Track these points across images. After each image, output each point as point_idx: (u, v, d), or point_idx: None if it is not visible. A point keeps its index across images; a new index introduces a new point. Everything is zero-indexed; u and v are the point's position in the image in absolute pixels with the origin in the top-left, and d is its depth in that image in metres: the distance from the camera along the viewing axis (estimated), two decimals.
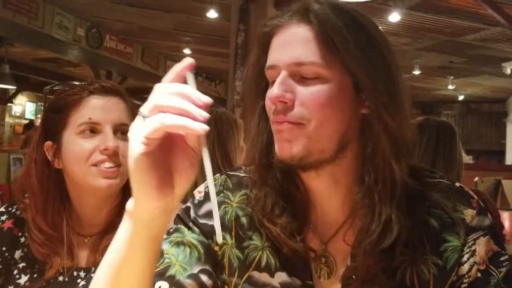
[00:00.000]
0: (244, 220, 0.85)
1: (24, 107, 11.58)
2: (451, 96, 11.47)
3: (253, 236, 0.84)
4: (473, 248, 0.79)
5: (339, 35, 0.74)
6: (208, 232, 0.85)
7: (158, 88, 0.60)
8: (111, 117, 1.06)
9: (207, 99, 0.61)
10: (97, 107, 1.06)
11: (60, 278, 1.07)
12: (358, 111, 0.77)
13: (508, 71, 7.70)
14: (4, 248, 1.09)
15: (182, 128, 0.56)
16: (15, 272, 1.08)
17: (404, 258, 0.76)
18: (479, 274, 0.78)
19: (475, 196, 0.83)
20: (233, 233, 0.85)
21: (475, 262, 0.78)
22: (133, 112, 1.13)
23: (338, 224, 0.82)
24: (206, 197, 0.88)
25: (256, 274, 0.83)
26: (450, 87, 10.09)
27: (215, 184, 0.87)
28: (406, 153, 0.78)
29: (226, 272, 0.85)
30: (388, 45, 0.79)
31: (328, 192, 0.81)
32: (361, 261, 0.76)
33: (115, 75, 8.16)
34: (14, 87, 7.96)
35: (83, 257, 1.10)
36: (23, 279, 1.07)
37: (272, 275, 0.82)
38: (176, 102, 0.57)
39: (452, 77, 9.63)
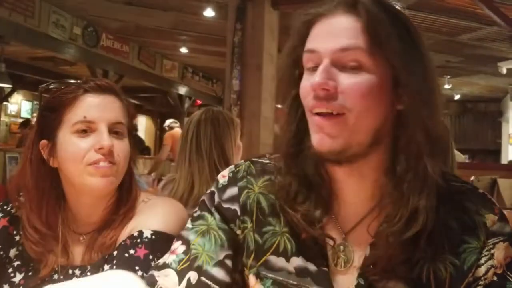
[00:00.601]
0: (265, 205, 0.87)
1: (20, 106, 11.53)
2: (447, 96, 11.49)
3: (273, 221, 0.86)
4: (492, 251, 0.79)
5: (385, 29, 0.76)
6: (231, 216, 0.88)
7: None
8: (106, 115, 1.05)
9: None
10: (92, 106, 1.05)
11: (55, 277, 1.06)
12: (394, 106, 0.78)
13: (504, 71, 7.72)
14: None
15: None
16: (10, 270, 1.07)
17: (424, 253, 0.77)
18: (495, 278, 0.79)
19: (497, 204, 0.84)
20: (253, 218, 0.87)
21: (492, 266, 0.79)
22: (128, 111, 1.12)
23: (360, 215, 0.83)
24: (230, 181, 0.91)
25: (273, 259, 0.85)
26: (446, 86, 10.11)
27: (239, 170, 0.93)
28: (439, 151, 0.80)
29: (244, 254, 0.87)
30: (425, 44, 0.81)
31: (354, 185, 0.83)
32: (382, 250, 0.77)
33: (111, 74, 8.14)
34: (10, 86, 7.93)
35: (78, 255, 1.09)
36: (18, 277, 1.07)
37: (288, 260, 0.83)
38: None
39: (448, 77, 9.65)
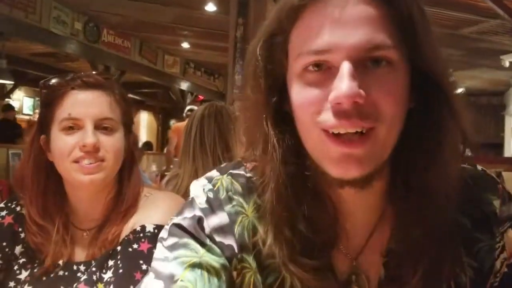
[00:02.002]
0: (263, 232, 0.68)
1: (22, 102, 11.54)
2: None
3: (275, 252, 0.67)
4: (501, 243, 0.72)
5: (416, 17, 0.60)
6: (227, 255, 0.69)
7: None
8: (92, 112, 1.05)
9: None
10: (77, 102, 1.05)
11: (60, 273, 1.07)
12: (409, 104, 0.64)
13: (507, 64, 7.69)
14: (4, 244, 1.09)
15: None
16: (16, 267, 1.08)
17: (441, 262, 0.68)
18: (506, 269, 0.72)
19: (498, 180, 0.75)
20: (253, 253, 0.69)
21: (504, 258, 0.72)
22: (121, 104, 1.11)
23: (365, 236, 0.72)
24: (213, 204, 0.71)
25: None
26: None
27: (218, 188, 0.72)
28: (460, 154, 0.69)
29: None
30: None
31: (361, 205, 0.70)
32: (398, 271, 0.68)
33: (113, 70, 8.13)
34: (12, 82, 7.93)
35: (82, 250, 1.10)
36: (24, 274, 1.07)
37: None
38: None
39: (451, 70, 9.59)
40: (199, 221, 0.70)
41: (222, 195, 0.71)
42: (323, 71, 0.60)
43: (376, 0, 0.59)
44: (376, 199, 0.70)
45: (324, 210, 0.68)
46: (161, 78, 9.77)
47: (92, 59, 7.76)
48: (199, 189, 0.73)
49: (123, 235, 1.06)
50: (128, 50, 8.39)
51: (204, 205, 0.70)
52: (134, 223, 1.07)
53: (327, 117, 0.59)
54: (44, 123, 1.09)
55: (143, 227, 1.04)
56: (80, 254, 1.10)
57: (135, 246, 1.01)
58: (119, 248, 1.04)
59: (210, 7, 6.25)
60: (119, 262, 1.01)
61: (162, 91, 12.24)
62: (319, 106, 0.59)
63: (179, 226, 0.70)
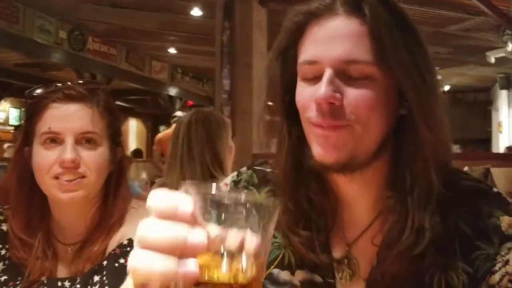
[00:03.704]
0: None
1: (8, 113, 11.42)
2: None
3: (276, 233, 0.81)
4: (506, 257, 0.73)
5: (392, 34, 0.70)
6: None
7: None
8: (72, 126, 1.01)
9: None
10: (57, 116, 1.02)
11: None
12: (397, 111, 0.74)
13: (493, 60, 7.76)
14: None
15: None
16: None
17: (434, 263, 0.73)
18: (510, 285, 0.73)
19: (510, 202, 0.79)
20: None
21: (507, 272, 0.73)
22: (105, 117, 1.07)
23: (364, 225, 0.79)
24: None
25: (277, 272, 0.81)
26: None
27: (240, 179, 0.90)
28: (446, 157, 0.76)
29: None
30: (428, 47, 0.76)
31: (358, 194, 0.79)
32: (389, 264, 0.73)
33: (99, 78, 8.08)
34: None
35: (65, 266, 1.07)
36: None
37: (293, 273, 0.80)
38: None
39: (438, 68, 9.63)
40: None
41: (241, 184, 0.88)
42: (316, 79, 0.72)
43: (358, 17, 0.71)
44: (375, 192, 0.78)
45: (325, 196, 0.79)
46: (149, 84, 9.73)
47: (78, 67, 7.72)
48: (229, 178, 0.91)
49: (109, 249, 1.03)
50: (115, 57, 8.34)
51: None
52: (121, 236, 1.04)
53: (312, 114, 0.72)
54: (27, 136, 1.06)
55: (130, 241, 1.00)
56: (64, 270, 1.07)
57: (121, 261, 0.98)
58: (105, 263, 1.01)
59: (196, 12, 6.24)
60: (105, 278, 0.98)
61: (151, 98, 12.19)
62: (308, 105, 0.73)
63: None
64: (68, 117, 1.02)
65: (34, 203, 1.07)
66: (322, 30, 0.72)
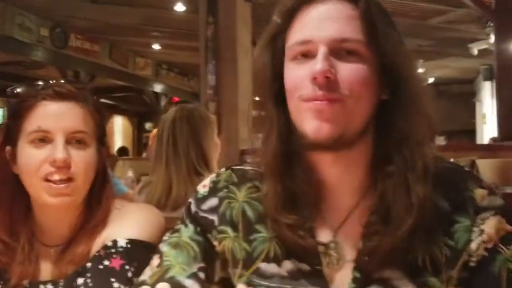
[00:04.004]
0: (251, 213, 0.86)
1: None
2: None
3: (261, 228, 0.84)
4: (481, 227, 0.78)
5: (381, 19, 0.77)
6: (208, 226, 0.88)
7: None
8: (63, 124, 0.98)
9: None
10: (48, 114, 0.98)
11: None
12: (379, 95, 0.79)
13: (475, 52, 7.84)
14: None
15: None
16: None
17: (418, 239, 0.76)
18: (485, 253, 0.78)
19: (485, 181, 0.84)
20: (240, 227, 0.86)
21: (482, 241, 0.78)
22: (95, 117, 1.05)
23: (348, 209, 0.82)
24: (211, 191, 0.90)
25: (264, 266, 0.83)
26: (420, 70, 10.19)
27: (219, 180, 0.91)
28: (431, 137, 0.80)
29: (230, 264, 0.86)
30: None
31: (342, 178, 0.82)
32: (376, 241, 0.76)
33: (83, 75, 8.00)
34: None
35: (48, 269, 1.04)
36: None
37: (279, 265, 0.82)
38: None
39: (421, 61, 9.74)
40: (187, 206, 0.92)
41: (220, 184, 0.90)
42: (307, 59, 0.76)
43: (353, 6, 0.77)
44: (358, 175, 0.81)
45: (310, 183, 0.81)
46: (133, 81, 9.66)
47: (61, 65, 7.63)
48: (208, 180, 0.93)
49: (93, 251, 1.01)
50: (98, 54, 8.26)
51: (206, 193, 0.91)
52: (105, 237, 1.01)
53: (306, 90, 0.75)
54: (10, 135, 1.02)
55: (114, 242, 0.98)
56: (46, 272, 1.04)
57: (106, 262, 0.96)
58: (89, 265, 0.99)
59: (179, 7, 6.20)
60: (89, 280, 0.96)
61: (136, 95, 12.10)
62: (301, 83, 0.76)
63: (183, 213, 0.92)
64: (59, 115, 0.99)
65: (17, 204, 1.04)
66: (314, 12, 0.77)
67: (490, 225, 0.78)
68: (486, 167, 3.64)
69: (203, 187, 0.92)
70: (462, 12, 6.57)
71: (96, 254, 0.99)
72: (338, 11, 0.76)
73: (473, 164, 3.58)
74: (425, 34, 7.70)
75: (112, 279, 0.93)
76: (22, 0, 6.27)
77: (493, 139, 6.92)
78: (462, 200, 0.80)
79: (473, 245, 0.78)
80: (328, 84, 0.73)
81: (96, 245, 1.01)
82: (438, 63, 10.04)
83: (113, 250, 0.97)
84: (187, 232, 0.88)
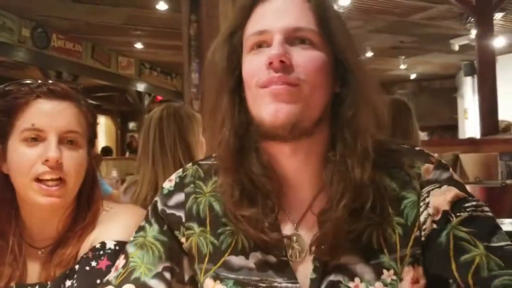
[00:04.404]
0: (218, 207, 0.86)
1: None
2: (403, 76, 11.72)
3: (228, 221, 0.85)
4: (427, 200, 0.79)
5: (332, 14, 0.82)
6: (175, 223, 0.88)
7: None
8: (57, 124, 0.98)
9: None
10: (42, 113, 0.97)
11: None
12: (333, 87, 0.82)
13: (457, 48, 7.93)
14: None
15: None
16: None
17: (370, 221, 0.78)
18: (434, 226, 0.77)
19: (436, 157, 0.84)
20: (207, 221, 0.86)
21: (428, 214, 0.78)
22: (87, 118, 1.05)
23: (308, 202, 0.83)
24: (177, 187, 0.90)
25: (232, 259, 0.83)
26: (402, 66, 10.30)
27: (186, 174, 0.91)
28: (376, 125, 0.82)
29: (196, 260, 0.86)
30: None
31: (300, 170, 0.82)
32: (328, 227, 0.77)
33: (65, 75, 7.91)
34: None
35: (35, 271, 1.03)
36: None
37: (247, 257, 0.83)
38: None
39: (403, 57, 9.83)
40: (153, 205, 0.91)
41: (187, 180, 0.91)
42: (263, 48, 0.80)
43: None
44: (315, 167, 0.82)
45: (269, 178, 0.81)
46: (116, 80, 9.58)
47: (43, 66, 7.53)
48: (174, 175, 0.93)
49: (81, 253, 1.00)
50: (80, 54, 8.17)
51: (172, 188, 0.91)
52: (93, 239, 1.01)
53: (262, 76, 0.78)
54: (1, 133, 1.00)
55: (103, 244, 0.98)
56: (34, 275, 1.03)
57: (93, 264, 0.95)
58: (77, 266, 0.98)
59: (161, 6, 6.16)
60: (75, 281, 0.95)
61: (119, 94, 12.01)
62: (258, 70, 0.78)
63: (147, 212, 0.92)
64: (54, 114, 0.98)
65: (5, 204, 1.02)
66: (268, 6, 0.81)
67: (436, 197, 0.78)
68: (469, 162, 3.70)
69: (169, 182, 0.92)
70: (443, 8, 6.64)
71: (84, 256, 0.98)
72: (291, 3, 0.80)
73: (456, 159, 3.63)
74: (407, 31, 7.77)
75: (98, 280, 0.92)
76: (2, 0, 6.17)
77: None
78: (409, 177, 0.81)
79: (422, 219, 0.79)
80: (284, 67, 0.76)
81: (84, 247, 1.00)
82: (420, 59, 10.14)
83: (101, 252, 0.97)
84: (152, 231, 0.88)
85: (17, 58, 6.87)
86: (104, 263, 0.95)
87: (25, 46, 6.91)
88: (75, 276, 0.96)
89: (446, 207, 0.77)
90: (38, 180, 0.96)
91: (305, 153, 0.81)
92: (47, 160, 0.95)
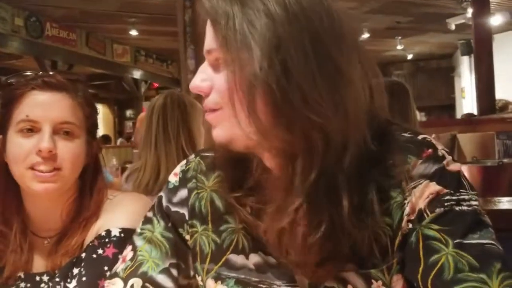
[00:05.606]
0: (219, 203, 0.84)
1: None
2: (400, 56, 11.69)
3: (229, 218, 0.83)
4: (408, 199, 0.71)
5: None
6: (179, 221, 0.87)
7: None
8: (52, 115, 0.99)
9: None
10: (37, 104, 0.99)
11: (22, 285, 1.02)
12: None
13: (453, 27, 7.89)
14: None
15: None
16: None
17: (361, 224, 0.70)
18: (410, 225, 0.71)
19: (434, 146, 0.74)
20: (209, 218, 0.85)
21: (406, 214, 0.71)
22: (84, 109, 1.05)
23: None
24: (181, 182, 0.89)
25: (233, 257, 0.82)
26: (398, 47, 10.27)
27: (189, 168, 0.90)
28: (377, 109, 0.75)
29: (198, 259, 0.85)
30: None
31: (286, 167, 0.74)
32: (322, 227, 0.71)
33: (60, 64, 7.87)
34: None
35: (42, 260, 1.05)
36: None
37: (247, 257, 0.81)
38: None
39: (400, 37, 9.79)
40: (159, 199, 0.90)
41: (189, 174, 0.89)
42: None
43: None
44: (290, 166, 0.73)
45: (261, 174, 0.79)
46: (111, 68, 9.54)
47: (38, 55, 7.48)
48: (179, 167, 0.91)
49: (87, 241, 1.02)
50: (75, 42, 8.12)
51: (177, 184, 0.89)
52: (98, 227, 1.02)
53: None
54: (2, 123, 1.03)
55: (108, 232, 1.00)
56: (41, 264, 1.05)
57: (100, 251, 0.97)
58: (83, 255, 1.00)
59: None
60: (82, 269, 0.97)
61: (115, 82, 11.96)
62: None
63: (155, 202, 0.91)
64: (48, 105, 0.99)
65: (10, 192, 1.04)
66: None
67: (417, 194, 0.71)
68: (466, 141, 3.71)
69: (174, 176, 0.91)
70: None
71: (90, 244, 1.00)
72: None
73: (454, 139, 3.64)
74: (403, 11, 7.72)
75: (105, 267, 0.94)
76: None
77: (468, 115, 7.00)
78: (398, 176, 0.72)
79: (404, 219, 0.72)
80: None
81: (90, 236, 1.02)
82: (417, 39, 10.10)
83: (107, 240, 0.98)
84: (158, 227, 0.88)
85: (11, 48, 6.83)
86: (110, 250, 0.97)
87: (19, 36, 6.86)
88: (82, 264, 0.98)
89: (422, 205, 0.70)
90: (33, 169, 0.98)
91: (283, 156, 0.73)
92: (40, 151, 0.96)
